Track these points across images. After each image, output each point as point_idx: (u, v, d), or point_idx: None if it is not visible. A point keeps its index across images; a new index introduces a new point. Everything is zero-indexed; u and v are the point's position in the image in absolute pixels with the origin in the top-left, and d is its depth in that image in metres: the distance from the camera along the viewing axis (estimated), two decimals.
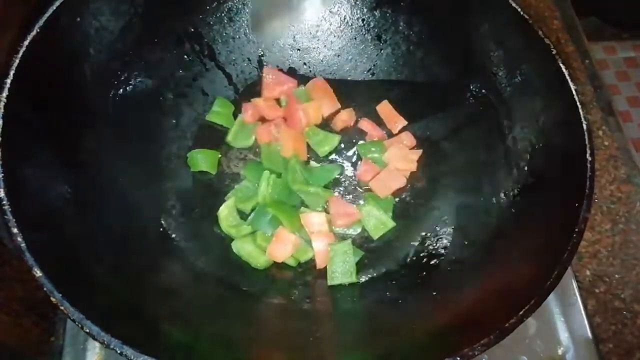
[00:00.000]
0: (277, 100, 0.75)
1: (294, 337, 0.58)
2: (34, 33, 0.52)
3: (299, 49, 0.76)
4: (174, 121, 0.70)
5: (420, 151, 0.72)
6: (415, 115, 0.74)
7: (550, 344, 0.66)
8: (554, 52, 0.58)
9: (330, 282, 0.63)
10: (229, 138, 0.72)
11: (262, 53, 0.75)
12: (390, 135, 0.75)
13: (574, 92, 0.56)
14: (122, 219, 0.59)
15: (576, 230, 0.50)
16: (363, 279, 0.65)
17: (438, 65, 0.72)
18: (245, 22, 0.73)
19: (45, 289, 0.44)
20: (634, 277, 0.76)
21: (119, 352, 0.43)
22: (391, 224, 0.68)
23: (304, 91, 0.75)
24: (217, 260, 0.64)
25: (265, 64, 0.75)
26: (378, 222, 0.68)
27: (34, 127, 0.53)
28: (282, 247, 0.64)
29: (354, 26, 0.75)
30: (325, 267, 0.65)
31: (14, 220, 0.45)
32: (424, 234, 0.68)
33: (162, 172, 0.68)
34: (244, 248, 0.65)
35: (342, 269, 0.64)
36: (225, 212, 0.67)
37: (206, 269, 0.63)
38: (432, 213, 0.69)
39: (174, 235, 0.64)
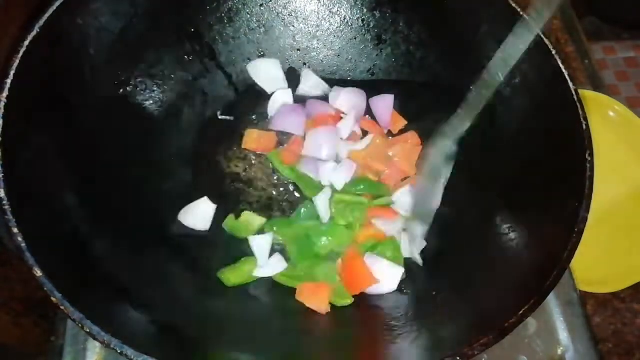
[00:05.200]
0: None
1: (292, 337, 0.58)
2: (34, 33, 0.52)
3: (299, 49, 0.76)
4: (175, 121, 0.70)
5: (419, 148, 0.72)
6: (415, 115, 0.74)
7: (550, 344, 0.66)
8: (554, 52, 0.58)
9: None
10: None
11: (262, 53, 0.75)
12: (391, 135, 0.75)
13: (573, 93, 0.56)
14: (122, 218, 0.59)
15: (576, 230, 0.50)
16: None
17: (438, 65, 0.72)
18: (246, 22, 0.73)
19: (45, 288, 0.44)
20: None
21: (119, 352, 0.43)
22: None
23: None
24: (217, 261, 0.64)
25: None
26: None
27: (34, 126, 0.53)
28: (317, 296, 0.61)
29: (354, 26, 0.75)
30: None
31: (15, 220, 0.45)
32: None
33: (163, 173, 0.68)
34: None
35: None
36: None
37: (207, 270, 0.63)
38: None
39: (174, 235, 0.64)
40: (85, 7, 0.57)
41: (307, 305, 0.60)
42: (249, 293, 0.62)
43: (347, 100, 0.74)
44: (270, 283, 0.64)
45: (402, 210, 0.68)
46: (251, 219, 0.67)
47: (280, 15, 0.74)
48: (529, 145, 0.61)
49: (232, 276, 0.62)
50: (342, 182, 0.68)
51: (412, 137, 0.73)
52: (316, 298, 0.60)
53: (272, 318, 0.60)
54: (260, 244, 0.64)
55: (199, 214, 0.66)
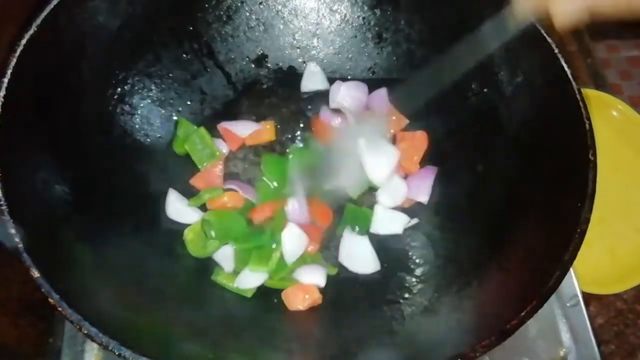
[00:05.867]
0: None
1: (289, 337, 0.58)
2: (31, 31, 0.52)
3: (298, 48, 0.76)
4: (173, 121, 0.70)
5: (424, 147, 0.71)
6: (416, 114, 0.74)
7: (552, 345, 0.66)
8: (556, 50, 0.58)
9: None
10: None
11: (261, 52, 0.75)
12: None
13: (576, 91, 0.56)
14: (121, 219, 0.59)
15: (578, 230, 0.49)
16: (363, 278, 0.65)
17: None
18: (245, 20, 0.72)
19: (43, 289, 0.44)
20: None
21: (117, 353, 0.43)
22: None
23: None
24: (213, 263, 0.64)
25: None
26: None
27: (32, 126, 0.53)
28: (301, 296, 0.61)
29: (354, 25, 0.74)
30: None
31: (12, 220, 0.45)
32: (422, 233, 0.67)
33: (162, 172, 0.67)
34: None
35: None
36: (191, 236, 0.64)
37: (207, 272, 0.63)
38: (432, 213, 0.69)
39: (174, 235, 0.64)
40: (83, 6, 0.57)
41: (303, 309, 0.60)
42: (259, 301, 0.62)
43: (348, 94, 0.73)
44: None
45: None
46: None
47: (279, 13, 0.74)
48: (531, 144, 0.61)
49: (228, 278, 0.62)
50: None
51: (421, 136, 0.72)
52: (309, 297, 0.60)
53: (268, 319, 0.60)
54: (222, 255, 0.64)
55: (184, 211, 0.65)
